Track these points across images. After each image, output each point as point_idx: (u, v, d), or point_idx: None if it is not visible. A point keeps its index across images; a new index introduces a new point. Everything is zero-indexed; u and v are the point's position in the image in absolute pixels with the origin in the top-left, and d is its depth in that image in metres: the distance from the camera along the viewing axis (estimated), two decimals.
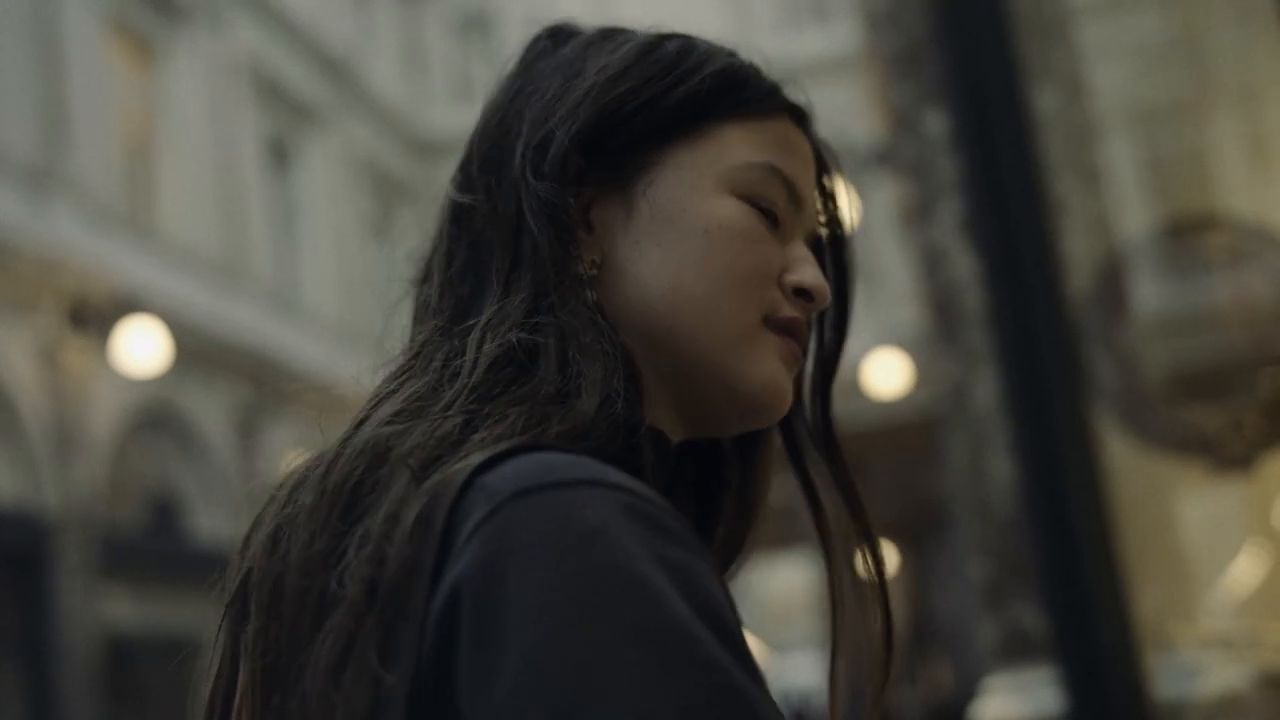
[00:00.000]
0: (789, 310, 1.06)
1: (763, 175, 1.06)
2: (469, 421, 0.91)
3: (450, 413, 0.93)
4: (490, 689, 0.78)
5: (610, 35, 1.13)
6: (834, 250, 1.17)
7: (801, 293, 1.06)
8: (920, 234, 4.10)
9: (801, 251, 1.08)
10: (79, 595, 14.07)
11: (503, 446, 0.87)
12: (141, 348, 14.13)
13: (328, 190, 21.24)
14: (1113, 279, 3.92)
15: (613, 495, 0.83)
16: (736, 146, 1.06)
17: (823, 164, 1.16)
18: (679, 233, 1.02)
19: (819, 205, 1.15)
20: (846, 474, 1.17)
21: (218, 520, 16.91)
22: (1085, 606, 3.29)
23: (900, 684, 22.16)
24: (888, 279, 21.50)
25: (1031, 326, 3.37)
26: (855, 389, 17.79)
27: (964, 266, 3.84)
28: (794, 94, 1.15)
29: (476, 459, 0.86)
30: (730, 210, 1.04)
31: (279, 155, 20.47)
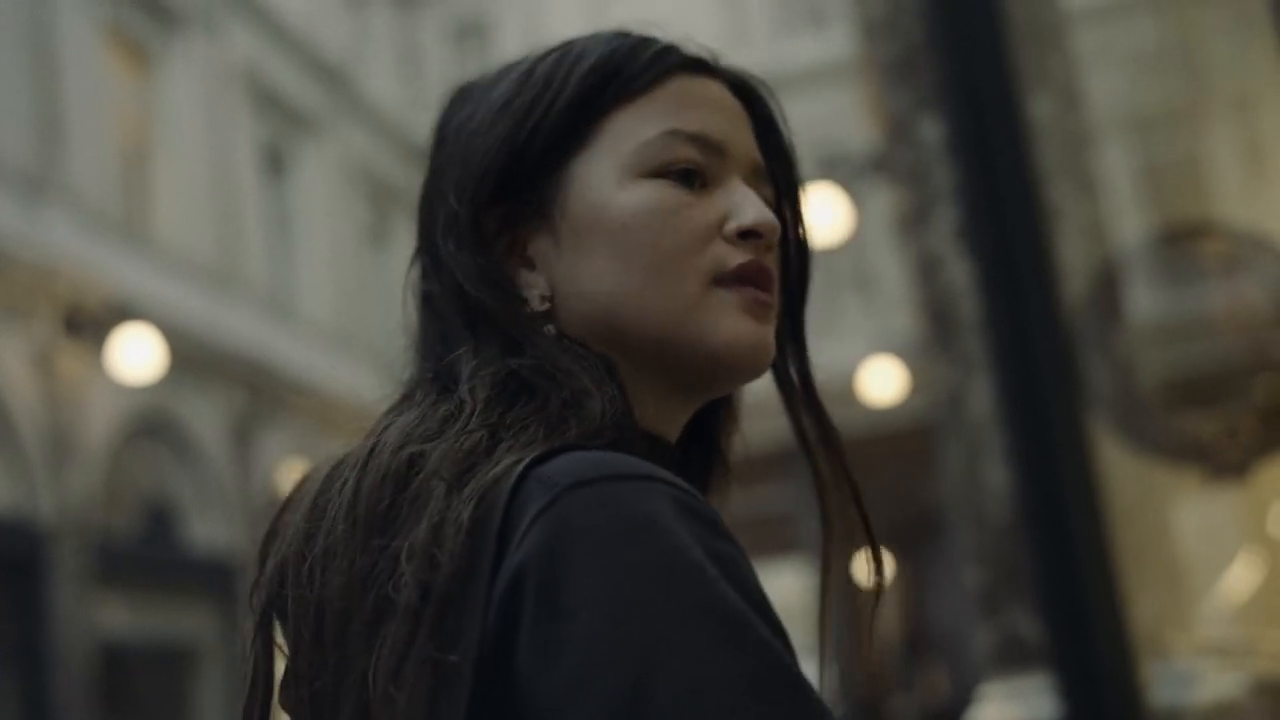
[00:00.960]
0: (738, 257, 1.06)
1: (664, 144, 1.07)
2: (493, 434, 0.96)
3: (470, 429, 0.97)
4: (555, 663, 0.84)
5: (497, 79, 1.14)
6: (785, 178, 1.19)
7: (747, 234, 1.06)
8: (916, 241, 4.11)
9: (738, 193, 1.08)
10: (74, 602, 14.05)
11: (544, 447, 0.92)
12: (137, 354, 14.12)
13: (323, 197, 21.23)
14: (1108, 286, 3.92)
15: (663, 489, 0.88)
16: (629, 130, 1.07)
17: (750, 95, 1.17)
18: (600, 237, 1.05)
19: (751, 138, 1.14)
20: (843, 464, 1.19)
21: (213, 527, 16.89)
22: (1081, 614, 3.30)
23: (897, 691, 22.17)
24: (883, 286, 21.51)
25: (1027, 333, 3.38)
26: (851, 396, 17.80)
27: (960, 273, 3.84)
28: (686, 47, 1.14)
29: (528, 455, 0.91)
30: (639, 195, 1.05)
31: (274, 162, 20.46)
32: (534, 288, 1.07)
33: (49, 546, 13.88)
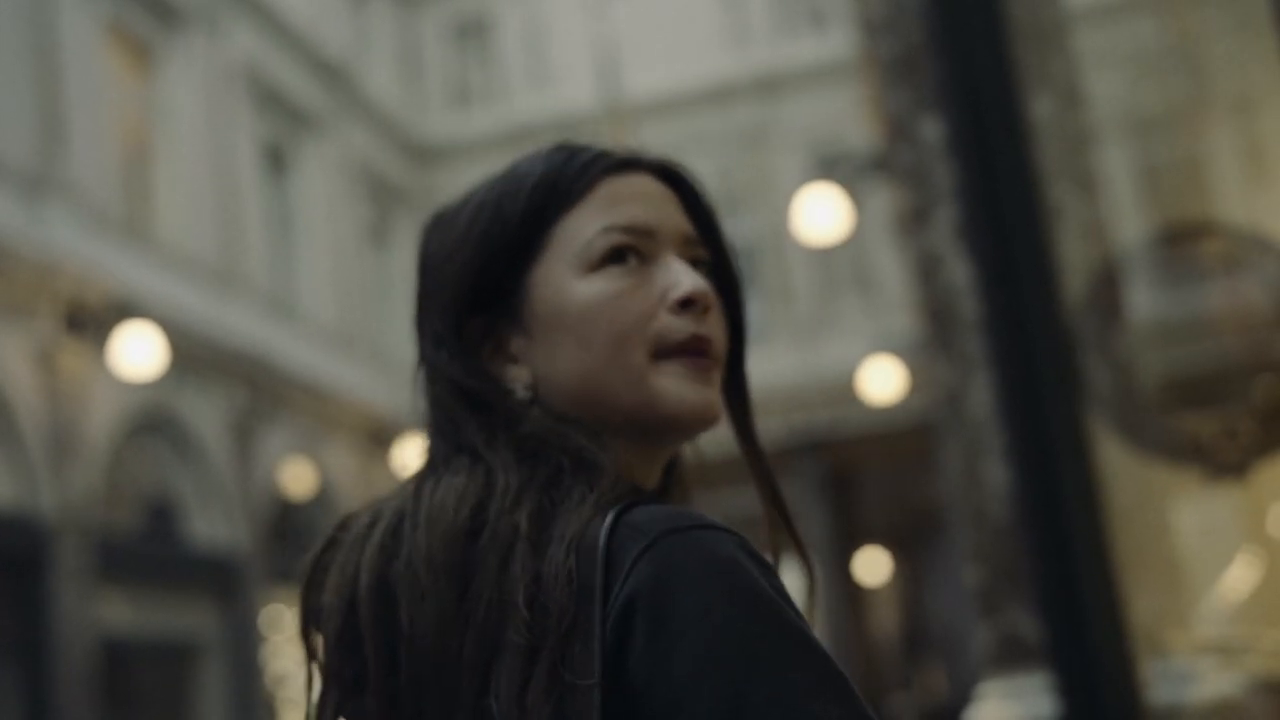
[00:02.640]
0: (678, 331, 1.26)
1: (602, 238, 1.26)
2: (550, 499, 1.15)
3: (522, 498, 1.16)
4: (669, 671, 1.04)
5: (460, 207, 1.34)
6: (713, 241, 1.36)
7: (685, 303, 1.26)
8: (916, 240, 4.12)
9: (673, 268, 1.28)
10: (76, 598, 14.07)
11: (600, 503, 1.13)
12: (138, 352, 14.12)
13: (325, 196, 21.23)
14: (1108, 286, 3.93)
15: (729, 537, 1.10)
16: (573, 233, 1.27)
17: (673, 178, 1.35)
18: (564, 329, 1.25)
19: (682, 218, 1.33)
20: (768, 479, 1.35)
21: (214, 524, 16.91)
22: (1080, 613, 3.30)
23: (896, 689, 22.18)
24: (883, 286, 21.50)
25: (1027, 333, 3.38)
26: (851, 395, 17.80)
27: (959, 273, 3.85)
28: (612, 150, 1.33)
29: (602, 510, 1.12)
30: (591, 288, 1.25)
31: (276, 161, 20.47)
32: (519, 379, 1.27)
33: (51, 542, 13.90)
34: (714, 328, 1.28)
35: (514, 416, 1.23)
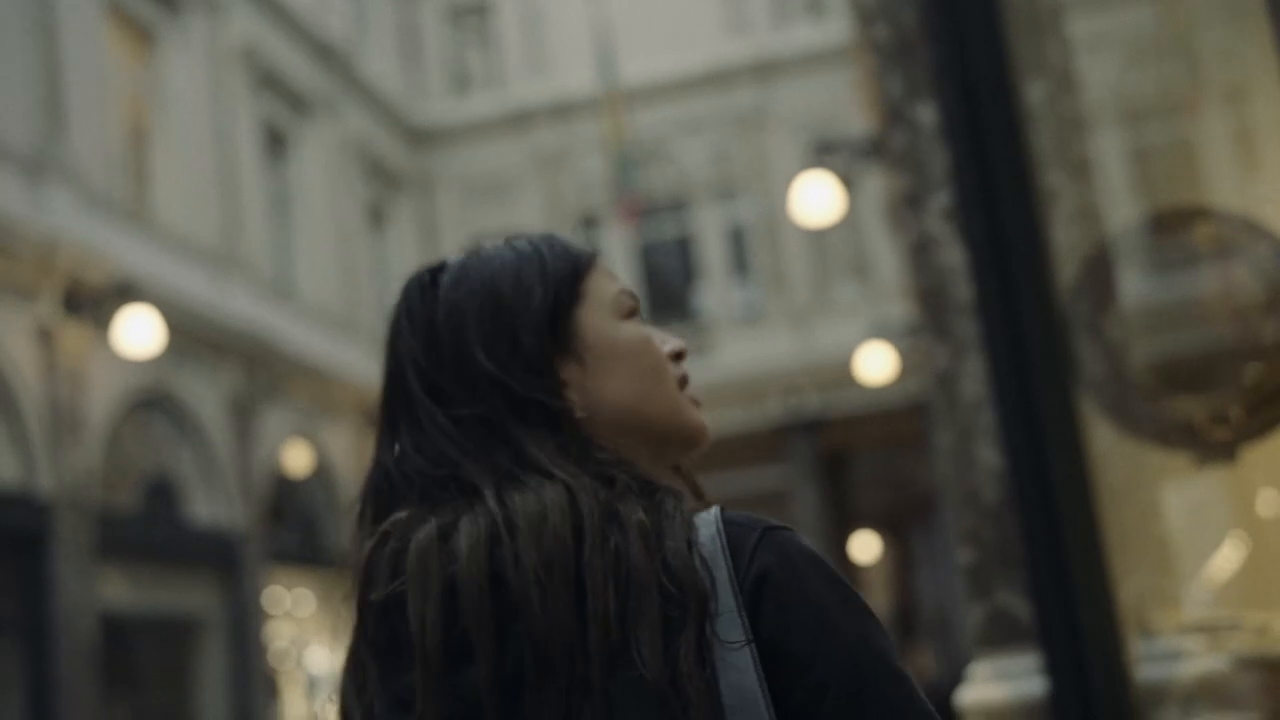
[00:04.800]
0: (677, 371, 1.57)
1: (626, 298, 1.56)
2: (646, 509, 1.38)
3: (618, 509, 1.38)
4: (804, 629, 1.32)
5: (483, 263, 1.55)
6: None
7: (677, 356, 1.57)
8: (910, 224, 4.14)
9: (655, 329, 1.58)
10: (76, 576, 14.10)
11: (686, 508, 1.39)
12: (138, 332, 14.15)
13: (324, 178, 21.23)
14: (1100, 270, 3.95)
15: (797, 534, 1.39)
16: (601, 289, 1.54)
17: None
18: (616, 359, 1.51)
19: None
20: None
21: (213, 503, 16.95)
22: (1070, 593, 3.34)
23: None
24: (878, 269, 21.52)
25: (1019, 316, 3.42)
26: (846, 378, 17.83)
27: (953, 256, 3.88)
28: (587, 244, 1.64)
29: (702, 512, 1.40)
30: (631, 329, 1.54)
31: (275, 143, 20.46)
32: (571, 401, 1.49)
33: (51, 521, 13.92)
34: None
35: (582, 437, 1.45)
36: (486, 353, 1.47)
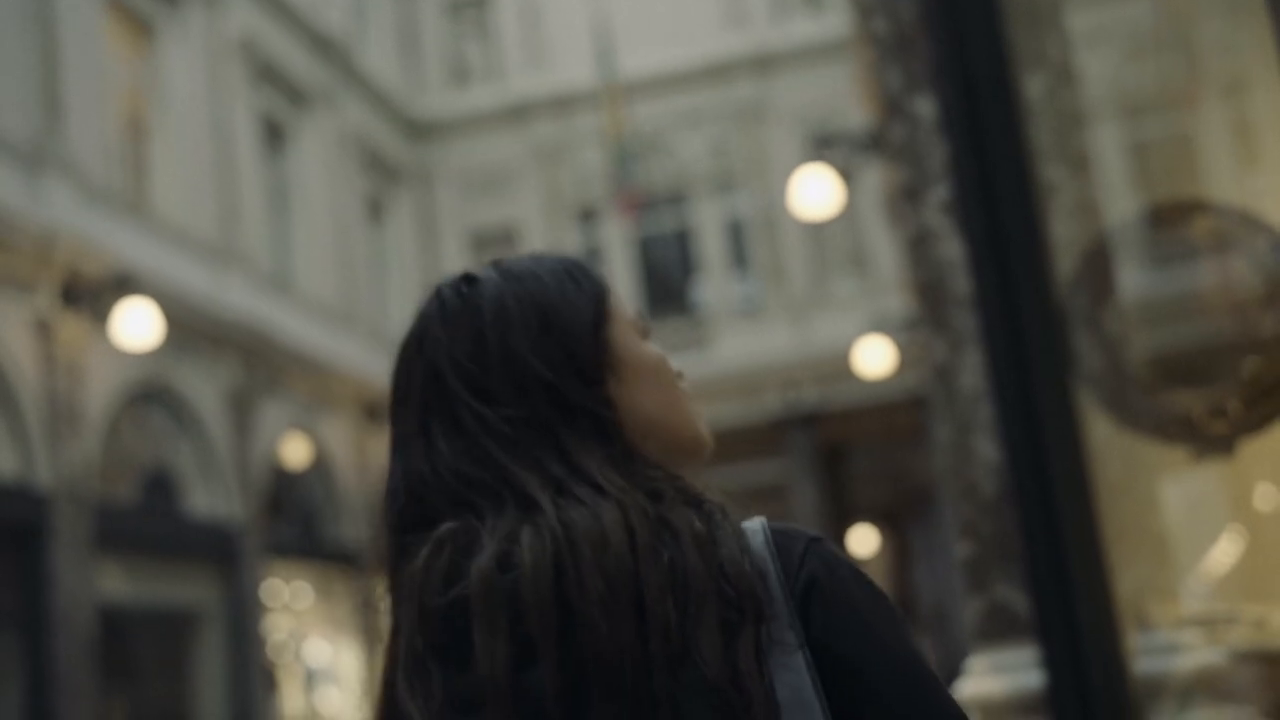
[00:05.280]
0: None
1: (641, 320, 1.63)
2: (698, 518, 1.43)
3: (669, 519, 1.43)
4: (854, 632, 1.40)
5: (520, 275, 1.60)
6: None
7: (679, 374, 1.64)
8: (909, 217, 4.15)
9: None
10: (74, 569, 14.10)
11: (731, 518, 1.45)
12: (136, 325, 14.15)
13: (322, 171, 21.23)
14: (1099, 263, 3.95)
15: (834, 543, 1.48)
16: (622, 310, 1.60)
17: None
18: (646, 373, 1.57)
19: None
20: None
21: (212, 496, 16.95)
22: (1068, 586, 3.34)
23: None
24: (877, 263, 21.52)
25: (1017, 309, 3.41)
26: (845, 371, 17.84)
27: (952, 250, 3.88)
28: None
29: (747, 523, 1.45)
30: (653, 350, 1.61)
31: (274, 135, 20.45)
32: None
33: (49, 513, 13.92)
34: None
35: (628, 449, 1.50)
36: (541, 359, 1.51)
